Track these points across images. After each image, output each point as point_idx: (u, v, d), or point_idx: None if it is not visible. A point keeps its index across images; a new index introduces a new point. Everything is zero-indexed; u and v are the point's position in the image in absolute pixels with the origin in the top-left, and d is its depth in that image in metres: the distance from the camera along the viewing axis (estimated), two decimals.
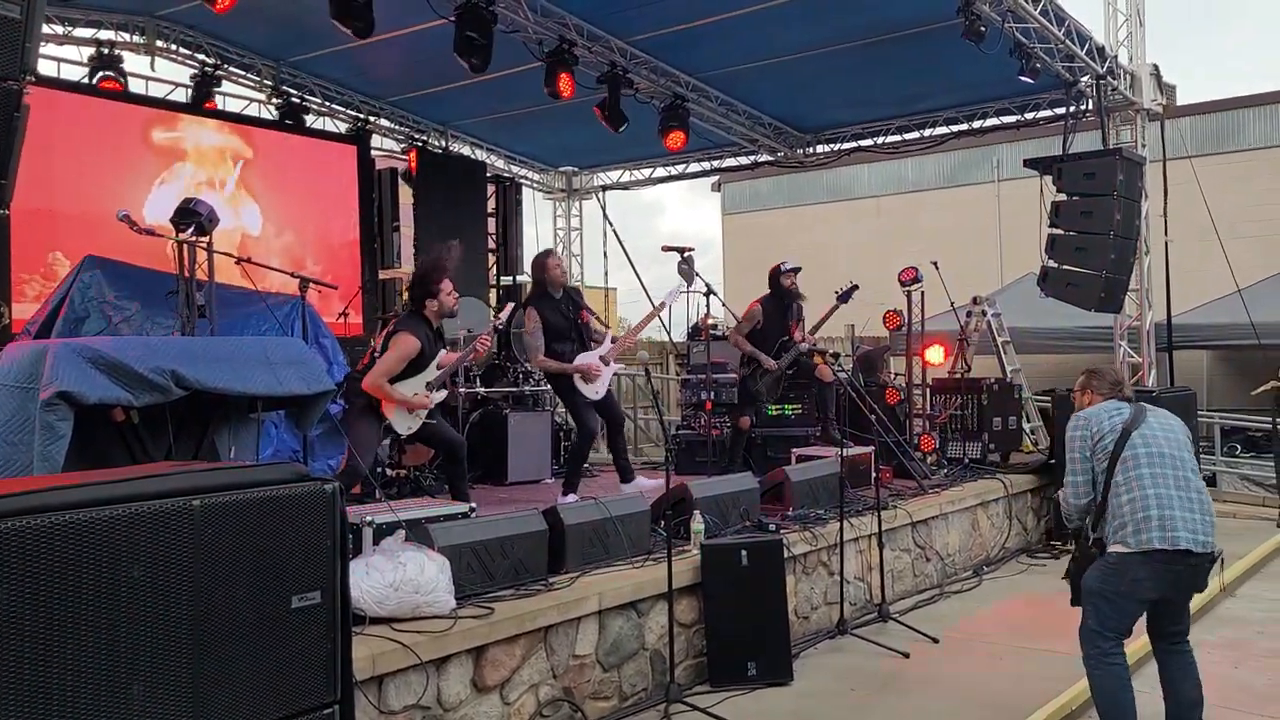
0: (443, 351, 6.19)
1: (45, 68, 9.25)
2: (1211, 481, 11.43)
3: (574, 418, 7.23)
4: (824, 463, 7.09)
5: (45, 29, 7.11)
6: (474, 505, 5.18)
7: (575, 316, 7.04)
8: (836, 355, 7.18)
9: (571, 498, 6.86)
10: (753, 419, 8.29)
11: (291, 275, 6.06)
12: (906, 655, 5.54)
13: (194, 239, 5.33)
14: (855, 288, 8.14)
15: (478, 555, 4.51)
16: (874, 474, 7.13)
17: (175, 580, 2.41)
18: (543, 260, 7.20)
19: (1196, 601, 6.53)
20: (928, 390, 9.48)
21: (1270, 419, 10.39)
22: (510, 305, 7.07)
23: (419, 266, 6.43)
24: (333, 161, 11.10)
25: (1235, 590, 7.28)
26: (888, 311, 9.34)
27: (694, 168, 14.05)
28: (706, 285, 7.35)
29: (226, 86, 10.63)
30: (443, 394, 6.22)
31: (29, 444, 3.57)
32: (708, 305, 7.55)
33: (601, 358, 6.95)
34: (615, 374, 7.36)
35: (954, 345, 10.18)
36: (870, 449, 7.46)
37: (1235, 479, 12.35)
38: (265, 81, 10.74)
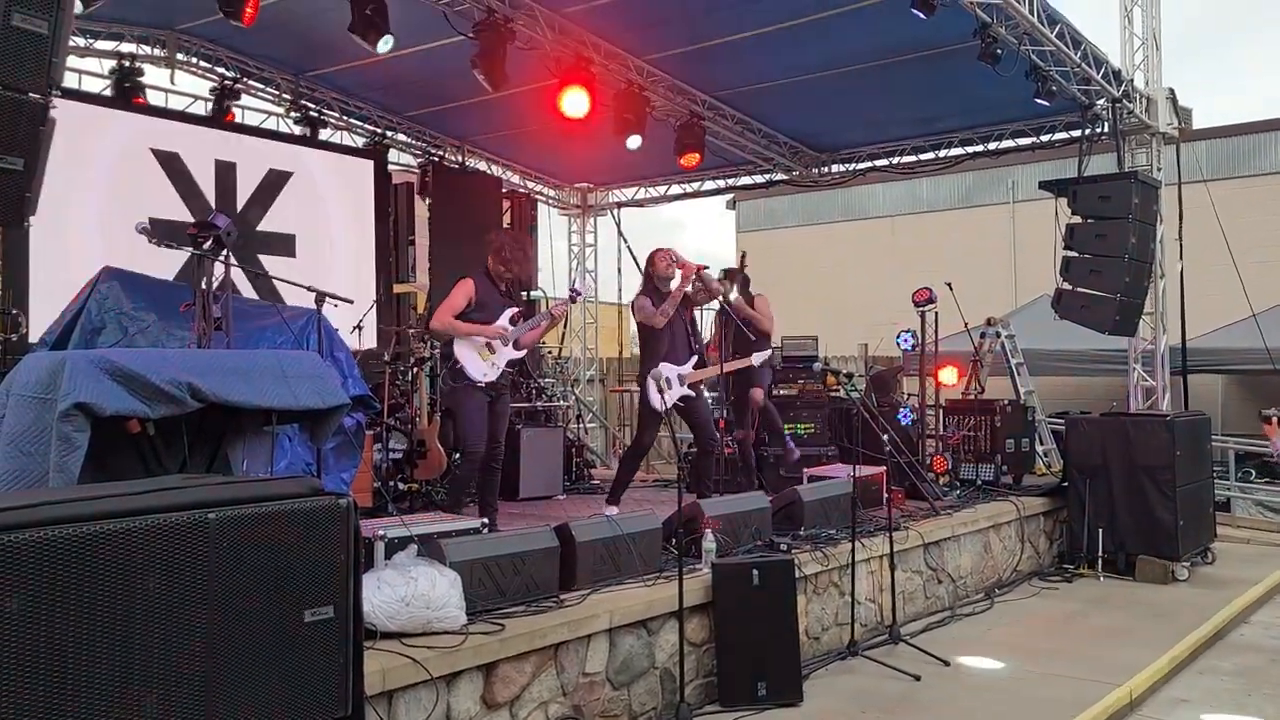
0: (512, 310, 6.52)
1: (67, 79, 9.34)
2: (1225, 506, 11.36)
3: None
4: (836, 483, 7.08)
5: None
6: (485, 521, 5.20)
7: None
8: (850, 375, 7.15)
9: None
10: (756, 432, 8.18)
11: (307, 289, 6.08)
12: (917, 678, 5.51)
13: (212, 253, 5.35)
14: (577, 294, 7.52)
15: (489, 571, 4.51)
16: (886, 495, 7.11)
17: (190, 592, 2.42)
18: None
19: (1210, 627, 6.55)
20: (941, 411, 9.45)
21: None
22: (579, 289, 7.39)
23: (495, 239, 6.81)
24: (350, 175, 11.16)
25: (1249, 617, 7.23)
26: (901, 331, 9.30)
27: (709, 186, 14.07)
28: (721, 303, 7.35)
29: (245, 100, 10.73)
30: (521, 353, 6.53)
31: (45, 455, 3.58)
32: (722, 323, 7.54)
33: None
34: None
35: (967, 366, 10.16)
36: (882, 469, 7.44)
37: (1250, 504, 12.27)
38: (284, 95, 10.82)
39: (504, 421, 6.68)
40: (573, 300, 6.83)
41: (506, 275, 6.60)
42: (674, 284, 7.07)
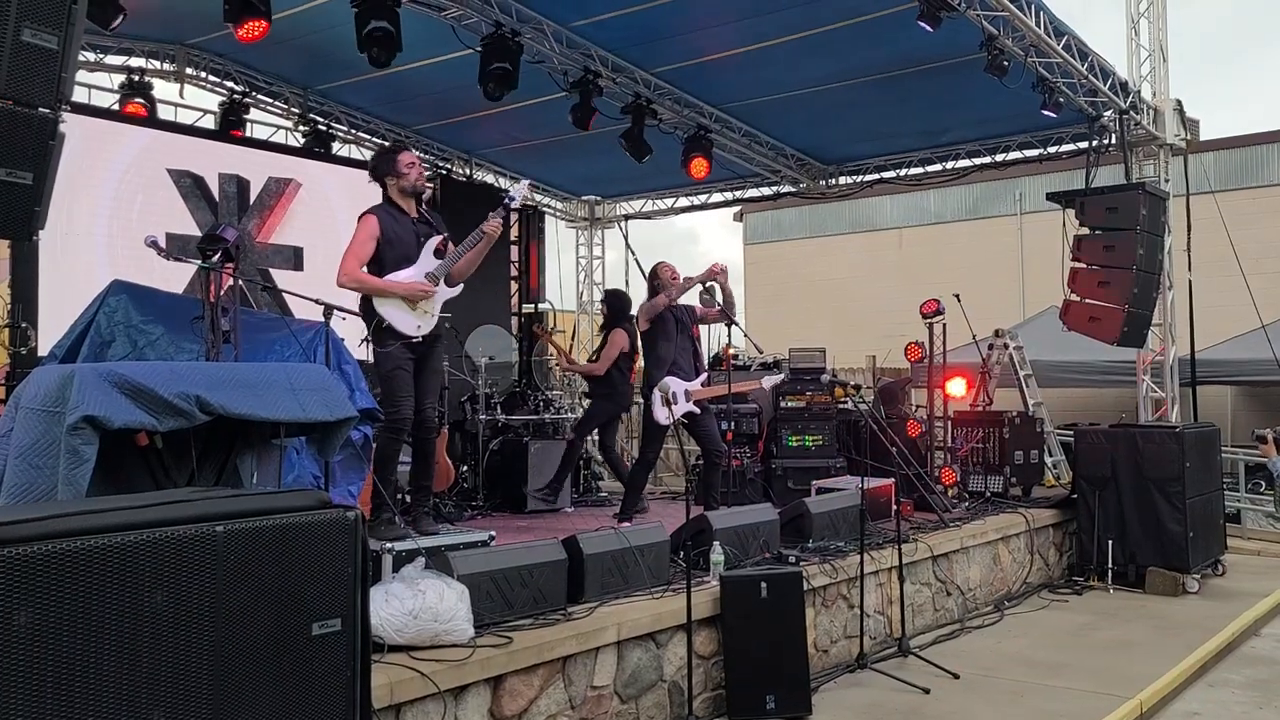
0: (437, 238, 5.60)
1: (76, 94, 9.39)
2: (1235, 518, 11.30)
3: None
4: (844, 495, 7.06)
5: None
6: (493, 533, 5.19)
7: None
8: (858, 387, 7.14)
9: None
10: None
11: (315, 302, 6.08)
12: (927, 691, 5.48)
13: (220, 266, 5.37)
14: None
15: (497, 584, 4.51)
16: (894, 507, 7.09)
17: (197, 606, 2.42)
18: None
19: (1221, 640, 6.51)
20: (949, 423, 9.43)
21: None
22: (513, 194, 5.77)
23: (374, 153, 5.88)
24: (358, 188, 11.17)
25: (1260, 630, 7.18)
26: (909, 343, 9.31)
27: (717, 198, 14.08)
28: (728, 315, 7.35)
29: (254, 114, 10.78)
30: (455, 290, 5.59)
31: (53, 468, 3.59)
32: (729, 335, 7.55)
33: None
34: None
35: (976, 377, 10.14)
36: (891, 481, 7.42)
37: (1260, 516, 12.20)
38: (293, 109, 10.87)
39: (438, 378, 5.77)
40: (507, 208, 5.59)
41: (411, 188, 5.70)
42: (692, 279, 7.17)
